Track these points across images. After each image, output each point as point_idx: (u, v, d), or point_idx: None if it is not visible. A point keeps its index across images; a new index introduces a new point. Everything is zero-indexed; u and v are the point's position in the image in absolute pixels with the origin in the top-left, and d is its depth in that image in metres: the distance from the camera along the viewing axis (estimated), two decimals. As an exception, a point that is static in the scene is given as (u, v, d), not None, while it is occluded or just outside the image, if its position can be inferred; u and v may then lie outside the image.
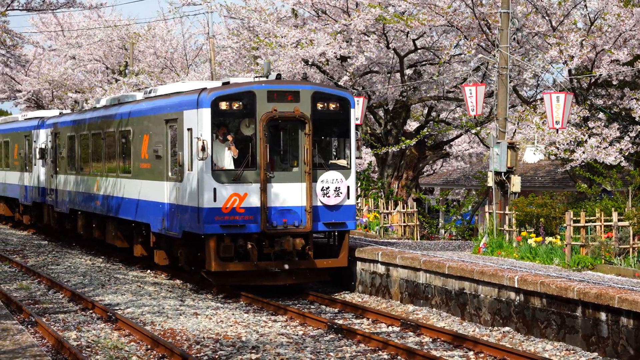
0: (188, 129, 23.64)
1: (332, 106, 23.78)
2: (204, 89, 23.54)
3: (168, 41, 51.41)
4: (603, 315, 16.99)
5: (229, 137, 23.13)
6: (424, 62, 35.17)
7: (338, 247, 24.30)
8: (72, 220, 35.47)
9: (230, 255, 23.07)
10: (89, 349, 17.53)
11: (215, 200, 22.77)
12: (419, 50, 33.87)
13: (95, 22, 57.77)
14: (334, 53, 31.85)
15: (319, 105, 23.58)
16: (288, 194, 23.30)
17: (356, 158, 24.35)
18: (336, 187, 23.59)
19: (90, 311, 21.73)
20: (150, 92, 28.02)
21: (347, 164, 24.04)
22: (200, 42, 53.36)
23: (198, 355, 17.14)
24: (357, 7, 32.00)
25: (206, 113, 22.90)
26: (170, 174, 24.98)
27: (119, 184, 29.11)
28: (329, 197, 23.54)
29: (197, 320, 20.47)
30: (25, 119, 42.79)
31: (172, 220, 24.60)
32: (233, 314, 21.33)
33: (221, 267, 23.08)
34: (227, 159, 23.20)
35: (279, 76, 24.19)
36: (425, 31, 32.55)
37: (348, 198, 23.79)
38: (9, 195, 44.55)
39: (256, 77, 25.05)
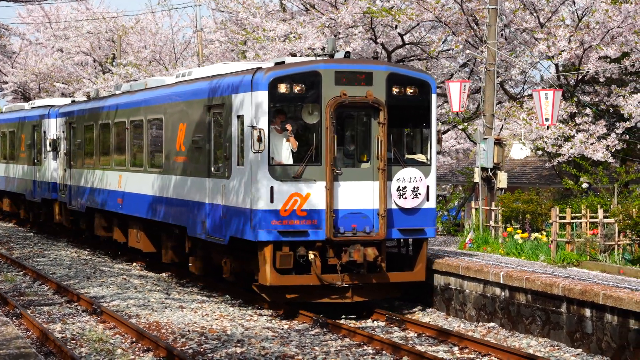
0: (238, 116, 20.29)
1: (409, 91, 20.38)
2: (258, 69, 20.13)
3: (157, 35, 51.28)
4: (588, 312, 17.03)
5: (288, 127, 19.85)
6: (411, 58, 35.16)
7: (414, 257, 20.95)
8: (89, 220, 32.25)
9: (288, 267, 19.77)
10: (73, 342, 17.50)
11: (272, 201, 19.41)
12: (407, 46, 33.89)
13: (83, 14, 57.63)
14: (322, 47, 31.82)
15: (395, 90, 20.20)
16: (358, 194, 19.92)
17: (437, 153, 21.06)
18: (414, 187, 20.25)
19: (76, 304, 21.69)
20: (184, 76, 24.85)
21: (427, 159, 20.65)
22: (189, 35, 53.33)
23: (183, 348, 17.12)
24: (345, 1, 31.98)
25: (262, 97, 19.50)
26: (213, 169, 21.63)
27: (147, 180, 25.90)
28: (405, 198, 20.23)
29: (182, 314, 20.45)
30: (32, 107, 39.45)
31: (216, 223, 21.30)
32: (218, 308, 21.30)
33: (278, 281, 19.71)
34: (285, 152, 19.85)
35: (347, 54, 20.75)
36: (414, 26, 32.56)
37: (427, 200, 20.43)
38: (14, 190, 41.12)
39: (319, 56, 21.72)
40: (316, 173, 19.61)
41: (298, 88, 19.68)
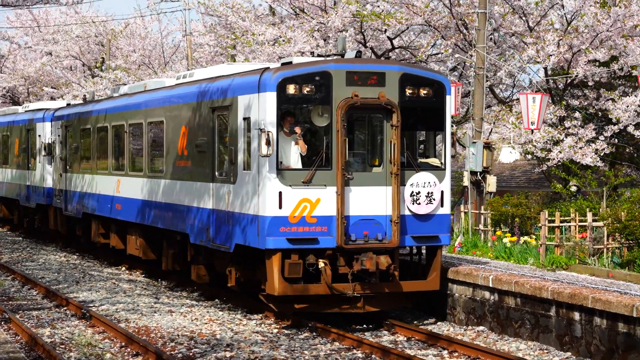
0: (245, 119, 19.42)
1: (423, 92, 19.44)
2: (266, 69, 19.31)
3: (146, 39, 51.25)
4: (577, 315, 17.05)
5: (297, 129, 19.01)
6: (400, 62, 35.25)
7: (427, 266, 20.04)
8: (85, 226, 31.13)
9: (297, 276, 18.85)
10: (62, 346, 17.46)
11: (280, 207, 18.51)
12: (397, 50, 33.95)
13: (72, 18, 57.56)
14: (311, 51, 31.86)
15: (408, 91, 19.26)
16: (370, 200, 18.98)
17: (451, 157, 20.14)
18: (428, 192, 19.25)
19: (65, 308, 21.64)
20: (185, 77, 23.96)
21: (441, 163, 19.86)
22: (178, 39, 53.34)
23: (172, 352, 17.09)
24: (335, 5, 32.04)
25: (270, 98, 18.56)
26: (217, 173, 20.74)
27: (146, 185, 25.02)
28: (419, 204, 19.23)
29: (171, 318, 20.42)
30: (26, 111, 38.22)
31: (221, 230, 20.44)
32: (208, 312, 21.27)
33: (287, 290, 18.81)
34: (293, 156, 19.04)
35: (358, 54, 19.82)
36: (403, 30, 32.63)
37: (442, 206, 19.46)
38: (8, 195, 39.99)
39: (328, 56, 21.25)
40: (326, 178, 18.75)
41: (308, 89, 18.77)
